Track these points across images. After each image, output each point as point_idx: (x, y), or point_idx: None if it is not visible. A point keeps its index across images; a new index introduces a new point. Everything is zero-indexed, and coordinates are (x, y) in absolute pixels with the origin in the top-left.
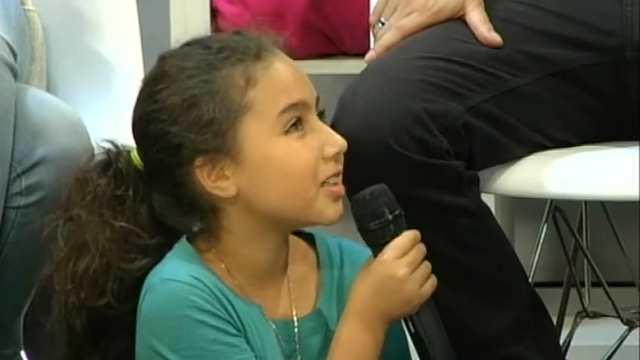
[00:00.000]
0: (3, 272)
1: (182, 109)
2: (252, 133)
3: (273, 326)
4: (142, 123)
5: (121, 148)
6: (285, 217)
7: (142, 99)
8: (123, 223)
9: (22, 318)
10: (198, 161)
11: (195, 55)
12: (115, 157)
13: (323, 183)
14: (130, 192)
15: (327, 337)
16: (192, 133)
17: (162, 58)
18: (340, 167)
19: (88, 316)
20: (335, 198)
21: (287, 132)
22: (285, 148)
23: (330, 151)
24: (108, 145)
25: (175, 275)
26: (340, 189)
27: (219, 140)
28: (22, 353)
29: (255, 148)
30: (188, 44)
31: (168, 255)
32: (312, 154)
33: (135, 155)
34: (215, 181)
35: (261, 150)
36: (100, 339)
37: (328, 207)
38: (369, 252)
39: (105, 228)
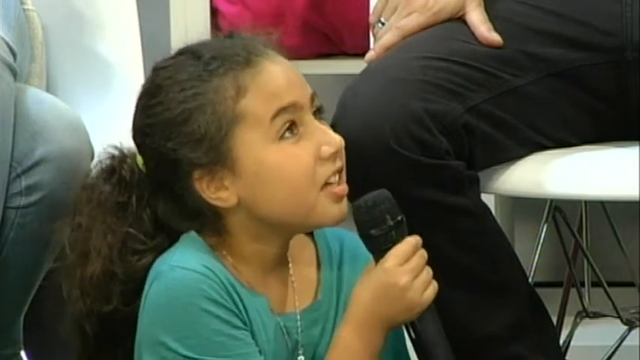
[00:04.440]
0: (3, 272)
1: (175, 124)
2: (246, 142)
3: (279, 320)
4: (139, 136)
5: (125, 152)
6: (287, 223)
7: (138, 112)
8: (125, 229)
9: (22, 318)
10: (197, 174)
11: (187, 67)
12: (118, 163)
13: (324, 185)
14: (133, 199)
15: (326, 328)
16: (187, 148)
17: (156, 70)
18: (340, 164)
19: (98, 320)
20: (337, 199)
21: (282, 137)
22: (281, 154)
23: (327, 151)
24: (113, 151)
25: (186, 263)
26: (343, 189)
27: (214, 153)
28: (22, 353)
29: (251, 157)
30: (181, 53)
31: (176, 245)
32: (307, 158)
33: (140, 160)
34: (215, 193)
35: (257, 158)
36: (111, 342)
37: (331, 208)
38: None
39: (107, 234)
